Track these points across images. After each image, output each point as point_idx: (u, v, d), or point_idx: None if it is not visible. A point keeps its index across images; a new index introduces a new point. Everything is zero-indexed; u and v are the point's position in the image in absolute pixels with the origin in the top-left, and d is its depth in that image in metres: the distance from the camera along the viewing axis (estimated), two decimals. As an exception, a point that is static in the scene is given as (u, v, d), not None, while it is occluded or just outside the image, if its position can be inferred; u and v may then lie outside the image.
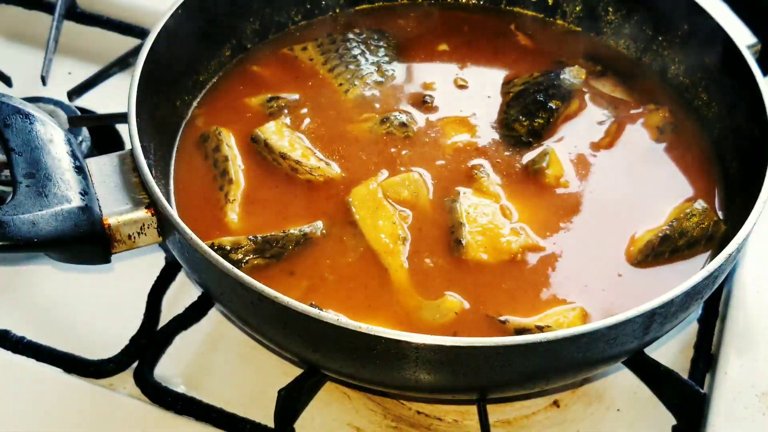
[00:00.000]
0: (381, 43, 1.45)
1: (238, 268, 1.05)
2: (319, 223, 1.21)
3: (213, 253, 1.06)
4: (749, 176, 1.21)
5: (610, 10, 1.48)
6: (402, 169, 1.28)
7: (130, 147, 1.16)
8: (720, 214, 1.26)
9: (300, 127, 1.33)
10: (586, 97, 1.40)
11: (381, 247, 1.19)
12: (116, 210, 1.14)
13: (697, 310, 1.31)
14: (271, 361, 1.26)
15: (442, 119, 1.35)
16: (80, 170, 1.16)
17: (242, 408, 1.21)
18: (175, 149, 1.31)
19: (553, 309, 1.15)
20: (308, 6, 1.49)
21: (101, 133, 1.50)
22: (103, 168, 1.18)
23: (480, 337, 1.00)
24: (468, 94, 1.40)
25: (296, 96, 1.38)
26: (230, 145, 1.30)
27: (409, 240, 1.20)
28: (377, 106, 1.36)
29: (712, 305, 1.32)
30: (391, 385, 1.13)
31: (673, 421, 1.22)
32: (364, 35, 1.45)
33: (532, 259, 1.19)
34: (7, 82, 1.59)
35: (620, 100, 1.40)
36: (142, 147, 1.16)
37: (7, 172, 1.37)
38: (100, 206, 1.14)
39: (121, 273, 1.35)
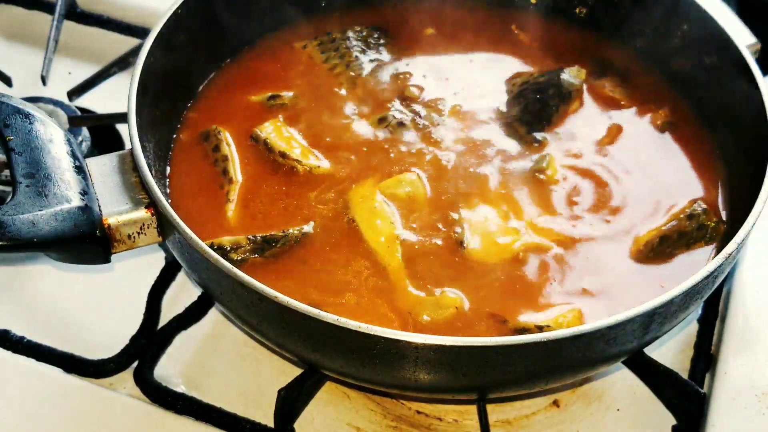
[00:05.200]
0: (381, 41, 1.45)
1: (238, 267, 1.05)
2: (318, 223, 1.21)
3: (213, 253, 1.06)
4: (749, 176, 1.21)
5: (611, 10, 1.48)
6: (401, 168, 1.28)
7: (130, 147, 1.16)
8: (721, 213, 1.26)
9: (299, 126, 1.33)
10: (587, 96, 1.40)
11: (379, 246, 1.19)
12: (116, 210, 1.14)
13: (697, 310, 1.31)
14: (271, 361, 1.26)
15: (441, 118, 1.35)
16: (80, 170, 1.16)
17: (242, 408, 1.21)
18: (174, 149, 1.31)
19: (553, 309, 1.15)
20: (308, 4, 1.49)
21: (101, 133, 1.50)
22: (103, 168, 1.18)
23: (480, 337, 1.01)
24: (468, 93, 1.40)
25: (296, 94, 1.38)
26: (230, 144, 1.30)
27: (408, 239, 1.20)
28: (376, 104, 1.36)
29: (712, 305, 1.32)
30: (391, 385, 1.13)
31: (673, 421, 1.22)
32: (364, 33, 1.45)
33: (532, 258, 1.19)
34: (7, 82, 1.59)
35: (620, 99, 1.40)
36: (142, 147, 1.16)
37: (7, 172, 1.37)
38: (99, 206, 1.14)
39: (121, 273, 1.35)
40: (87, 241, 1.11)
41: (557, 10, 1.51)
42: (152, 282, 1.32)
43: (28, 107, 1.19)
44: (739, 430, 1.19)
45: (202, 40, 1.38)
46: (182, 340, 1.28)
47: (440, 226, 1.22)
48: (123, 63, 1.58)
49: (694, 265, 1.19)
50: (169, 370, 1.25)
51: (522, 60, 1.45)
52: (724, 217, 1.26)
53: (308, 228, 1.21)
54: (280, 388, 1.15)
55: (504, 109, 1.37)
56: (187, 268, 1.15)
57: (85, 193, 1.13)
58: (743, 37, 1.44)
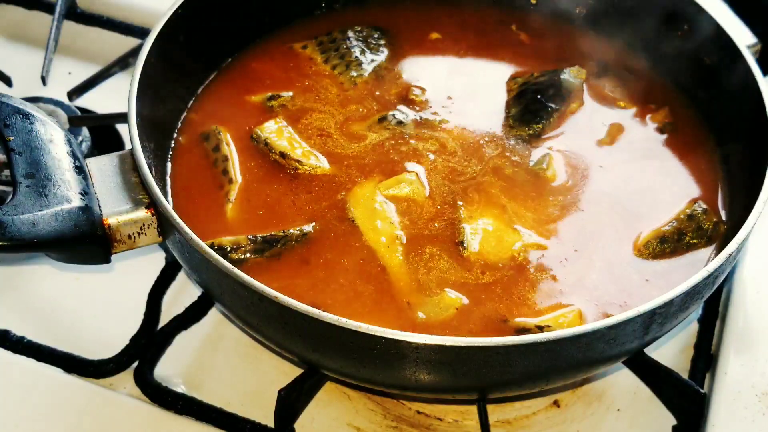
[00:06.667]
0: (381, 41, 1.45)
1: (238, 267, 1.05)
2: (319, 223, 1.21)
3: (213, 253, 1.06)
4: (749, 176, 1.21)
5: (611, 10, 1.48)
6: (401, 168, 1.28)
7: (130, 147, 1.16)
8: (721, 213, 1.26)
9: (300, 126, 1.33)
10: (586, 97, 1.40)
11: (379, 246, 1.19)
12: (116, 210, 1.14)
13: (697, 310, 1.31)
14: (271, 361, 1.27)
15: (441, 118, 1.35)
16: (80, 170, 1.16)
17: (242, 408, 1.21)
18: (175, 149, 1.31)
19: (553, 309, 1.15)
20: (308, 4, 1.49)
21: (101, 133, 1.50)
22: (103, 168, 1.18)
23: (480, 337, 1.00)
24: (469, 93, 1.40)
25: (296, 95, 1.38)
26: (230, 144, 1.30)
27: (408, 239, 1.20)
28: (377, 104, 1.36)
29: (712, 305, 1.32)
30: (391, 385, 1.13)
31: (673, 421, 1.22)
32: (365, 33, 1.45)
33: (533, 259, 1.19)
34: (7, 82, 1.59)
35: (620, 99, 1.40)
36: (142, 147, 1.16)
37: (7, 172, 1.37)
38: (100, 206, 1.14)
39: (121, 273, 1.35)
40: (87, 241, 1.12)
41: (557, 10, 1.51)
42: (152, 282, 1.32)
43: (29, 107, 1.19)
44: (739, 430, 1.19)
45: (202, 40, 1.38)
46: (182, 340, 1.28)
47: (440, 226, 1.22)
48: (123, 63, 1.58)
49: (694, 265, 1.20)
50: (169, 370, 1.25)
51: (522, 60, 1.45)
52: (724, 217, 1.26)
53: (308, 228, 1.21)
54: (280, 389, 1.15)
55: (504, 109, 1.37)
56: (188, 268, 1.15)
57: (85, 193, 1.13)
58: (743, 37, 1.44)
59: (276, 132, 1.30)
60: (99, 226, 1.12)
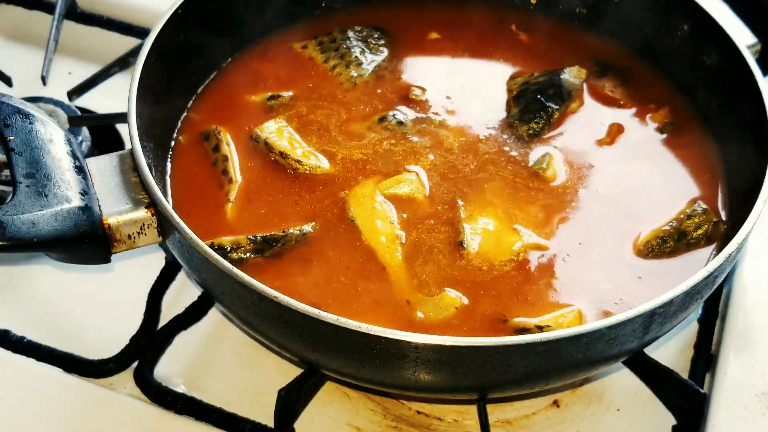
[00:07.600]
0: (381, 41, 1.45)
1: (238, 267, 1.05)
2: (319, 223, 1.21)
3: (213, 253, 1.06)
4: (749, 176, 1.21)
5: (611, 10, 1.48)
6: (401, 168, 1.28)
7: (130, 147, 1.16)
8: (721, 213, 1.26)
9: (300, 126, 1.33)
10: (587, 96, 1.40)
11: (379, 246, 1.19)
12: (116, 210, 1.14)
13: (697, 310, 1.31)
14: (271, 361, 1.27)
15: (441, 118, 1.35)
16: (80, 170, 1.16)
17: (242, 408, 1.21)
18: (175, 149, 1.32)
19: (553, 309, 1.15)
20: (308, 4, 1.49)
21: (101, 133, 1.50)
22: (103, 168, 1.18)
23: (480, 337, 1.00)
24: (468, 93, 1.40)
25: (296, 95, 1.38)
26: (230, 144, 1.30)
27: (408, 239, 1.20)
28: (377, 104, 1.36)
29: (712, 305, 1.32)
30: (391, 385, 1.13)
31: (673, 421, 1.22)
32: (365, 33, 1.46)
33: (533, 259, 1.19)
34: (7, 82, 1.59)
35: (620, 99, 1.40)
36: (142, 147, 1.16)
37: (7, 172, 1.37)
38: (100, 206, 1.14)
39: (121, 273, 1.35)
40: (87, 241, 1.12)
41: (557, 10, 1.51)
42: (152, 282, 1.32)
43: (29, 107, 1.19)
44: (739, 430, 1.19)
45: (202, 40, 1.38)
46: (182, 340, 1.28)
47: (440, 226, 1.22)
48: (123, 63, 1.58)
49: (694, 265, 1.20)
50: (169, 370, 1.25)
51: (522, 60, 1.45)
52: (724, 217, 1.26)
53: (308, 228, 1.21)
54: (280, 388, 1.15)
55: (504, 109, 1.37)
56: (187, 268, 1.15)
57: (85, 193, 1.13)
58: (743, 37, 1.44)
59: (276, 132, 1.30)
60: (99, 225, 1.12)
